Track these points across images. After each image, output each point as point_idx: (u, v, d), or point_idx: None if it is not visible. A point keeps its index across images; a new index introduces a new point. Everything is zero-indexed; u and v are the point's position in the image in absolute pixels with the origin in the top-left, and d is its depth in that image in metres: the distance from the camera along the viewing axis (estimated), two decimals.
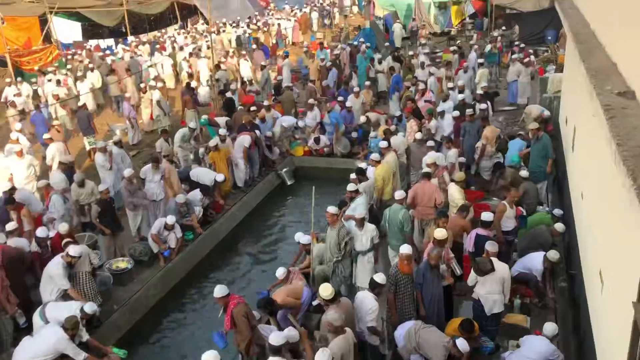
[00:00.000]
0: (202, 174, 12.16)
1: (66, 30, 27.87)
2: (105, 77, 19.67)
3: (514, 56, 17.97)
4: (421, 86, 15.51)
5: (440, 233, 7.75)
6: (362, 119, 14.85)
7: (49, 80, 18.94)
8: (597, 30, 7.53)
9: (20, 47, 23.47)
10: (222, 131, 13.33)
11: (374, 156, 11.09)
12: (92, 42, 28.43)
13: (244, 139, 13.14)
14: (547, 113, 14.27)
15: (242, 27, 29.30)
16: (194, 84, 18.47)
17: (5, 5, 24.75)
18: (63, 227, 9.30)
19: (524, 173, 10.68)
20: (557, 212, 9.74)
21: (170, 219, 10.22)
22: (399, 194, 9.46)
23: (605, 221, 6.12)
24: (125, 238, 10.75)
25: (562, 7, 11.51)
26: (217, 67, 19.43)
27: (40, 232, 9.10)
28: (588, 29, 8.13)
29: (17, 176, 11.84)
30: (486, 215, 8.59)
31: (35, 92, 19.16)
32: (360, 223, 8.71)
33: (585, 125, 8.40)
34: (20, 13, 25.58)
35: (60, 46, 25.03)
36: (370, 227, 8.73)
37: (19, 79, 19.31)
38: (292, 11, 34.22)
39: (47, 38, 25.33)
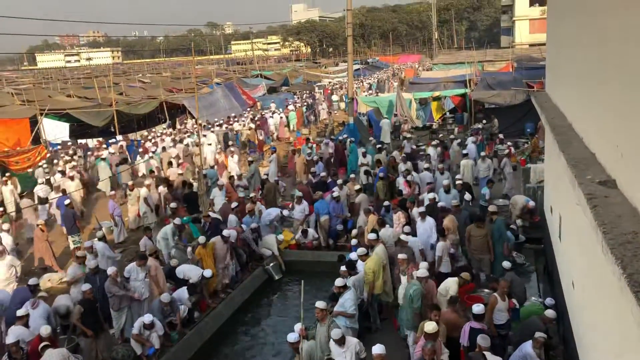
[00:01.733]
0: (189, 271, 11.95)
1: (54, 131, 28.35)
2: (116, 167, 21.30)
3: (499, 147, 18.44)
4: (409, 177, 15.80)
5: (430, 326, 7.59)
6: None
7: (59, 171, 19.90)
8: (573, 123, 7.80)
9: (9, 148, 23.73)
10: (226, 232, 12.95)
11: (361, 250, 11.02)
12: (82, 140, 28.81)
13: (230, 234, 13.07)
14: (532, 203, 14.50)
15: (231, 123, 30.01)
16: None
17: None
18: (45, 330, 8.96)
19: (506, 264, 10.67)
20: (549, 301, 9.62)
21: (148, 318, 9.86)
22: (421, 272, 9.54)
23: (598, 310, 6.03)
24: (108, 340, 10.34)
25: (537, 101, 12.01)
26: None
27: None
28: (565, 121, 8.43)
29: None
30: (477, 308, 8.43)
31: (47, 180, 19.67)
32: (340, 341, 8.03)
33: (570, 213, 8.49)
34: (12, 115, 26.15)
35: (49, 146, 25.35)
36: (352, 342, 8.11)
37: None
38: (287, 105, 35.62)
39: (36, 138, 25.70)
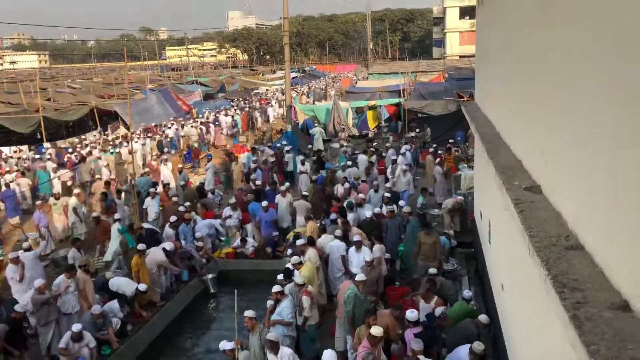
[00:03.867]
0: (123, 284, 11.55)
1: None
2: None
3: (429, 159, 18.81)
4: (346, 185, 15.90)
5: (377, 330, 7.63)
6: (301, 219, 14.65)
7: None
8: (501, 131, 8.13)
9: None
10: (169, 246, 12.97)
11: (294, 259, 11.05)
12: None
13: (158, 256, 12.61)
14: (460, 198, 15.15)
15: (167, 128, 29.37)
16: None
17: None
18: None
19: (431, 270, 10.94)
20: (466, 293, 10.10)
21: (76, 327, 9.39)
22: (359, 277, 9.45)
23: (526, 312, 6.28)
24: (34, 357, 9.84)
25: (467, 111, 12.45)
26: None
27: None
28: (493, 130, 8.77)
29: None
30: (412, 315, 8.59)
31: None
32: (273, 346, 7.97)
33: (498, 218, 8.82)
34: None
35: None
36: (286, 352, 8.08)
37: None
38: (223, 111, 35.38)
39: None
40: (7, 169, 21.01)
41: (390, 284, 11.75)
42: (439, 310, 9.13)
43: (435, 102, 29.25)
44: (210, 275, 13.83)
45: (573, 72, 3.86)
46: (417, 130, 27.18)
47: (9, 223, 16.66)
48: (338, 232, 12.12)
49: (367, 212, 13.45)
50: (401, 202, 14.43)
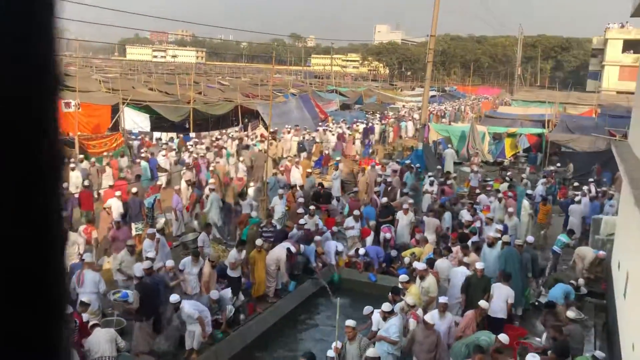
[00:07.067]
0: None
1: (135, 120, 29.56)
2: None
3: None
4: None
5: None
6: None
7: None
8: None
9: (88, 133, 24.94)
10: (293, 249, 13.36)
11: (402, 277, 10.84)
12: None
13: (280, 254, 13.01)
14: (602, 253, 13.58)
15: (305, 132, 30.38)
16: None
17: (83, 93, 26.68)
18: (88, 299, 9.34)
19: (570, 314, 10.09)
20: (599, 355, 9.09)
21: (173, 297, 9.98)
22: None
23: None
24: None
25: (618, 151, 11.49)
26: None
27: None
28: None
29: None
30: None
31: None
32: None
33: (639, 272, 8.02)
34: (96, 101, 27.51)
35: (126, 134, 26.47)
36: None
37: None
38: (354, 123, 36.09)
39: (115, 126, 26.89)
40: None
41: (508, 323, 11.13)
42: None
43: (583, 137, 27.32)
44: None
45: None
46: (559, 164, 25.53)
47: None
48: (466, 258, 11.72)
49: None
50: (517, 241, 12.84)
